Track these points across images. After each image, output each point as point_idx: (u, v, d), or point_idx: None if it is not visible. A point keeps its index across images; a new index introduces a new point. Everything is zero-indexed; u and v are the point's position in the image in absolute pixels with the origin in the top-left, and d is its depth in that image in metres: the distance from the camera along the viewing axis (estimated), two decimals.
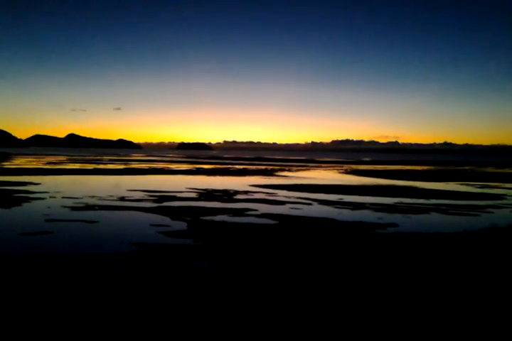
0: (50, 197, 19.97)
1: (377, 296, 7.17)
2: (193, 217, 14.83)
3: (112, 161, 72.06)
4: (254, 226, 13.45)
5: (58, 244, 10.55)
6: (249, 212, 16.36)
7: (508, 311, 6.65)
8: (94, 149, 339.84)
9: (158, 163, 70.79)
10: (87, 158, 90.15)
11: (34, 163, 56.15)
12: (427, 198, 22.95)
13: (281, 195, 23.34)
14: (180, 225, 13.33)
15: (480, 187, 31.19)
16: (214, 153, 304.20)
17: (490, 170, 65.78)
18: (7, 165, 50.74)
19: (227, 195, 22.75)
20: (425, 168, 71.25)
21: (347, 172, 52.05)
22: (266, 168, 57.64)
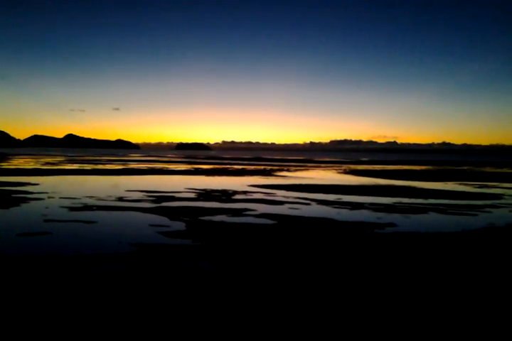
0: (49, 197, 19.94)
1: (375, 295, 7.17)
2: (191, 217, 14.82)
3: (110, 161, 71.98)
4: (253, 226, 13.44)
5: (56, 245, 10.53)
6: (247, 212, 16.36)
7: (506, 310, 6.66)
8: (93, 149, 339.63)
9: (157, 163, 70.73)
10: (86, 158, 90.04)
11: (32, 164, 56.07)
12: (426, 198, 22.97)
13: (280, 195, 23.34)
14: (179, 225, 13.32)
15: (478, 187, 31.22)
16: (213, 153, 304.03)
17: (488, 169, 65.87)
18: (5, 165, 50.65)
19: (225, 195, 22.74)
20: (424, 167, 71.31)
21: (345, 172, 52.07)
22: (264, 168, 57.63)
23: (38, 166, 49.58)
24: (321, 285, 7.66)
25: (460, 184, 34.15)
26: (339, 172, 50.25)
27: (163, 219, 14.37)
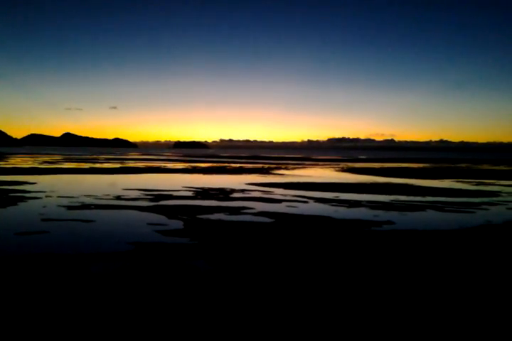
0: (46, 196, 19.91)
1: (373, 293, 7.19)
2: (189, 216, 14.82)
3: (107, 160, 71.91)
4: (251, 224, 13.45)
5: (54, 244, 10.52)
6: (245, 211, 16.37)
7: (503, 306, 6.69)
8: (90, 148, 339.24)
9: (155, 161, 70.70)
10: (83, 157, 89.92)
11: (30, 163, 55.97)
12: (423, 195, 23.02)
13: (278, 193, 23.35)
14: (177, 224, 13.33)
15: (475, 185, 31.29)
16: (210, 151, 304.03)
17: (485, 167, 66.01)
18: (2, 164, 50.55)
19: (223, 193, 22.75)
20: (421, 165, 71.42)
21: (343, 170, 52.13)
22: (262, 167, 57.66)
23: (36, 165, 49.50)
24: (319, 284, 7.68)
25: (457, 181, 34.22)
26: (337, 170, 50.30)
27: (160, 218, 14.37)
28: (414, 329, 5.87)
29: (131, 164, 58.31)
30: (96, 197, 19.69)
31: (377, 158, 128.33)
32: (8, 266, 8.44)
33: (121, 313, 6.20)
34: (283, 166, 59.90)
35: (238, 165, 63.05)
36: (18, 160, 65.74)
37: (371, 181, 33.54)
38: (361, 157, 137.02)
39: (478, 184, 31.96)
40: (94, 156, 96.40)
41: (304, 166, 61.52)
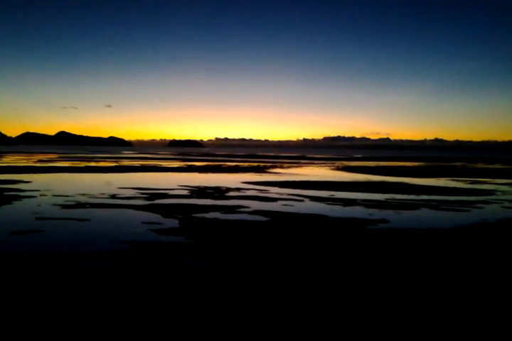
0: (41, 195, 19.83)
1: (368, 291, 7.20)
2: (184, 215, 14.80)
3: (102, 159, 71.69)
4: (246, 223, 13.45)
5: (49, 243, 10.48)
6: (241, 209, 16.36)
7: (497, 303, 6.72)
8: (85, 147, 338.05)
9: (150, 160, 70.54)
10: (78, 155, 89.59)
11: (24, 161, 55.71)
12: (418, 194, 23.08)
13: (273, 191, 23.35)
14: (172, 223, 13.30)
15: (470, 183, 31.41)
16: (206, 150, 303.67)
17: (480, 165, 66.28)
18: None
19: (219, 192, 22.72)
20: (416, 164, 71.62)
21: (339, 168, 52.20)
22: (258, 165, 57.64)
23: (30, 164, 49.27)
24: (315, 282, 7.69)
25: (452, 180, 34.34)
26: (332, 169, 50.36)
27: (156, 217, 14.34)
28: (410, 327, 5.88)
29: (126, 163, 58.16)
30: (91, 196, 19.63)
31: (372, 156, 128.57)
32: (3, 265, 8.39)
33: (116, 312, 6.19)
34: (278, 165, 59.91)
35: (234, 163, 63.00)
36: (13, 158, 65.41)
37: (366, 180, 33.60)
38: (357, 156, 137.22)
39: (473, 182, 32.08)
40: (89, 155, 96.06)
41: (299, 165, 61.55)
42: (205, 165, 55.19)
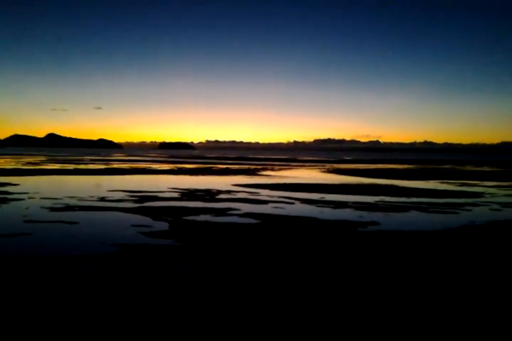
0: (29, 197, 19.64)
1: (357, 293, 7.21)
2: (174, 217, 14.73)
3: (92, 161, 71.25)
4: (237, 225, 13.42)
5: (37, 246, 10.37)
6: (231, 212, 16.33)
7: (483, 303, 6.76)
8: (75, 149, 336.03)
9: (140, 162, 70.23)
10: (67, 158, 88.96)
11: (13, 164, 55.19)
12: (408, 196, 23.21)
13: (264, 194, 23.35)
14: (162, 225, 13.23)
15: (459, 185, 31.66)
16: (196, 152, 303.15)
17: (469, 168, 66.88)
18: None
19: (209, 194, 22.67)
20: (406, 166, 72.06)
21: (329, 171, 52.36)
22: (248, 168, 57.63)
23: (19, 166, 48.82)
24: (304, 285, 7.68)
25: (441, 182, 34.59)
26: (323, 172, 50.51)
27: (145, 219, 14.26)
28: (397, 326, 5.90)
29: (116, 165, 57.83)
30: (80, 199, 19.48)
31: (362, 159, 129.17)
32: None
33: (104, 315, 6.13)
34: (269, 167, 59.96)
35: (224, 166, 62.95)
36: (1, 161, 64.74)
37: (357, 182, 33.73)
38: (347, 158, 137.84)
39: (461, 185, 32.34)
40: (79, 157, 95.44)
41: (290, 167, 61.65)
42: (196, 168, 55.07)
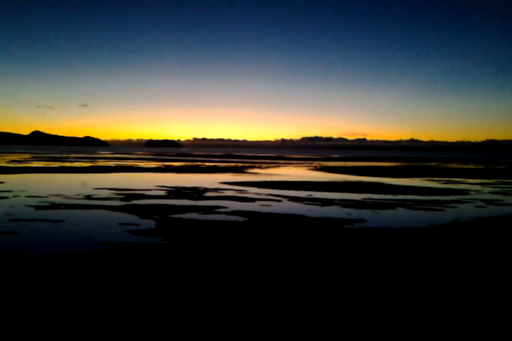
0: (14, 196, 19.39)
1: (343, 290, 7.25)
2: (161, 215, 14.66)
3: (78, 159, 70.57)
4: (224, 223, 13.40)
5: (22, 244, 10.24)
6: (219, 210, 16.30)
7: (464, 299, 6.85)
8: (60, 147, 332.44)
9: (126, 160, 69.75)
10: (53, 155, 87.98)
11: None
12: (394, 194, 23.39)
13: (252, 192, 23.35)
14: (149, 223, 13.16)
15: (445, 183, 31.99)
16: (183, 150, 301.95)
17: (454, 166, 67.59)
18: None
19: (196, 192, 22.61)
20: (392, 164, 72.61)
21: (316, 168, 52.54)
22: (236, 165, 57.58)
23: (3, 164, 48.16)
24: (292, 282, 7.70)
25: (427, 180, 34.92)
26: (310, 169, 50.66)
27: (132, 218, 14.17)
28: (379, 323, 5.94)
29: (102, 163, 57.38)
30: (66, 197, 19.29)
31: (349, 156, 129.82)
32: None
33: (89, 315, 6.08)
34: (257, 165, 59.97)
35: (212, 164, 62.81)
36: None
37: (344, 180, 33.90)
38: (334, 156, 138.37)
39: (447, 182, 32.68)
40: (64, 155, 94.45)
41: (277, 165, 61.73)
42: (183, 166, 54.85)
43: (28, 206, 16.35)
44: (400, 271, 8.53)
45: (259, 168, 52.68)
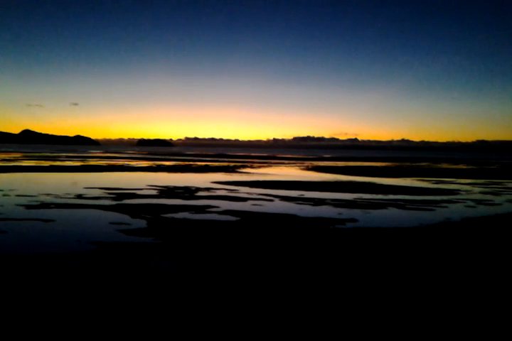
0: (3, 195, 19.22)
1: (334, 289, 7.27)
2: (153, 215, 14.61)
3: (68, 158, 70.12)
4: (216, 223, 13.38)
5: (11, 244, 10.15)
6: (210, 209, 16.27)
7: (456, 297, 6.89)
8: (51, 146, 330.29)
9: (117, 159, 69.42)
10: (43, 154, 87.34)
11: None
12: (385, 194, 23.49)
13: (243, 191, 23.34)
14: (140, 223, 13.11)
15: (435, 183, 32.19)
16: (175, 149, 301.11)
17: (445, 166, 68.05)
18: None
19: (188, 192, 22.55)
20: (384, 164, 72.95)
21: (308, 168, 52.64)
22: (228, 165, 57.54)
23: None
24: (284, 282, 7.70)
25: (418, 180, 35.11)
26: (302, 169, 50.75)
27: (123, 217, 14.10)
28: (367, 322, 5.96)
29: (93, 162, 57.07)
30: (56, 196, 19.15)
31: (341, 156, 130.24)
32: None
33: (79, 314, 6.04)
34: (249, 165, 59.96)
35: (203, 163, 62.70)
36: None
37: (335, 179, 33.99)
38: (326, 156, 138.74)
39: (438, 182, 32.88)
40: (55, 154, 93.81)
41: (269, 165, 61.77)
42: (175, 165, 54.70)
43: (18, 205, 16.22)
44: (392, 269, 8.57)
45: (251, 167, 52.68)
